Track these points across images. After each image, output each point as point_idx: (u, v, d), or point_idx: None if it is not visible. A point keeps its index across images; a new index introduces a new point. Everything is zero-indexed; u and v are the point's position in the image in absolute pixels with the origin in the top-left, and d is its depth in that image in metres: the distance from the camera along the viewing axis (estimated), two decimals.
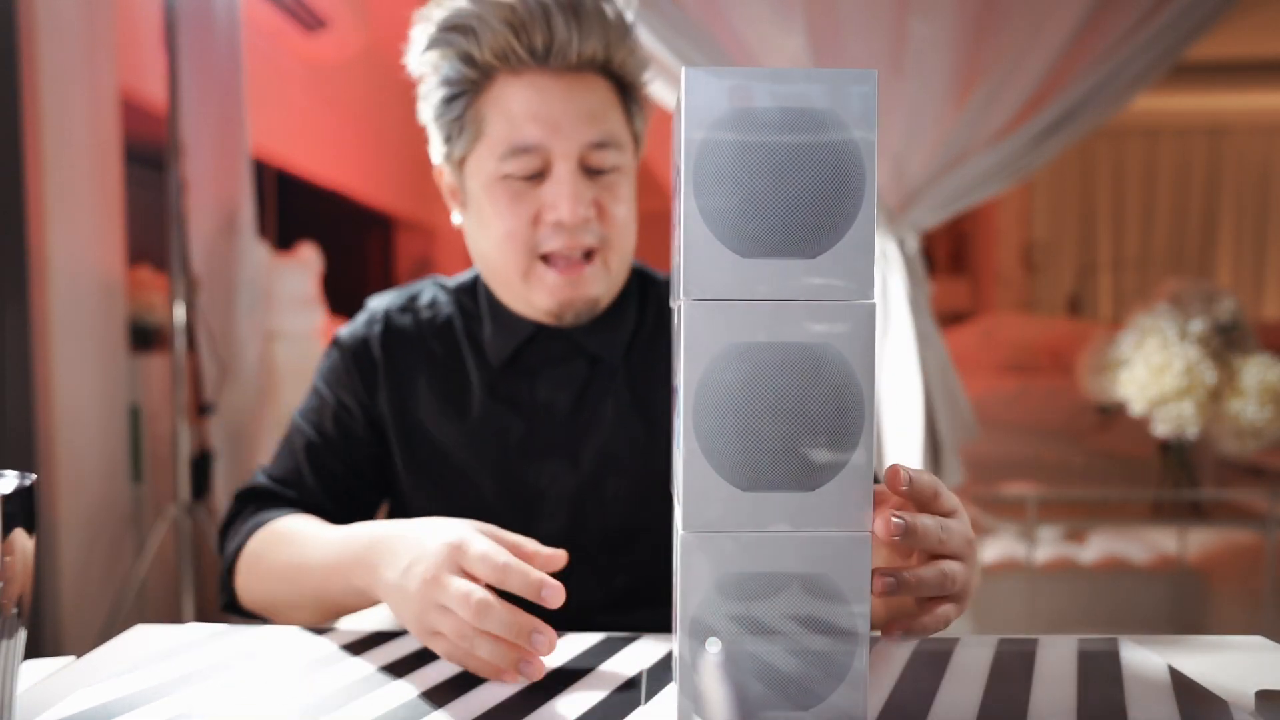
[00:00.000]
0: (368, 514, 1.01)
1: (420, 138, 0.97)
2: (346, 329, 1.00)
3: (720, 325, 0.56)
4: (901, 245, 1.96)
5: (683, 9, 1.85)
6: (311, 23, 3.16)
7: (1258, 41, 4.23)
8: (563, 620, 0.93)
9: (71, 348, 1.89)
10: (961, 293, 5.90)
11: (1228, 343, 2.20)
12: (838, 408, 0.56)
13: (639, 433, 0.95)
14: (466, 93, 0.89)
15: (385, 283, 5.22)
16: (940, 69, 1.93)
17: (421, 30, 0.90)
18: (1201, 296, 2.26)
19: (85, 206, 1.92)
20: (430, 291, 1.02)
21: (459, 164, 0.92)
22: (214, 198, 2.24)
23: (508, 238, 0.89)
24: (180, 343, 2.05)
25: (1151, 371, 2.13)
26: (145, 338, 2.27)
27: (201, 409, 2.21)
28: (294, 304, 2.85)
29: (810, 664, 0.57)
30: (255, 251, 2.31)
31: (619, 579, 0.94)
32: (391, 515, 1.02)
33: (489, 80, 0.88)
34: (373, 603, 0.79)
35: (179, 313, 2.05)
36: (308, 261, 3.00)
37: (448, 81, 0.89)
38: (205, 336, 2.21)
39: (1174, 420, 2.12)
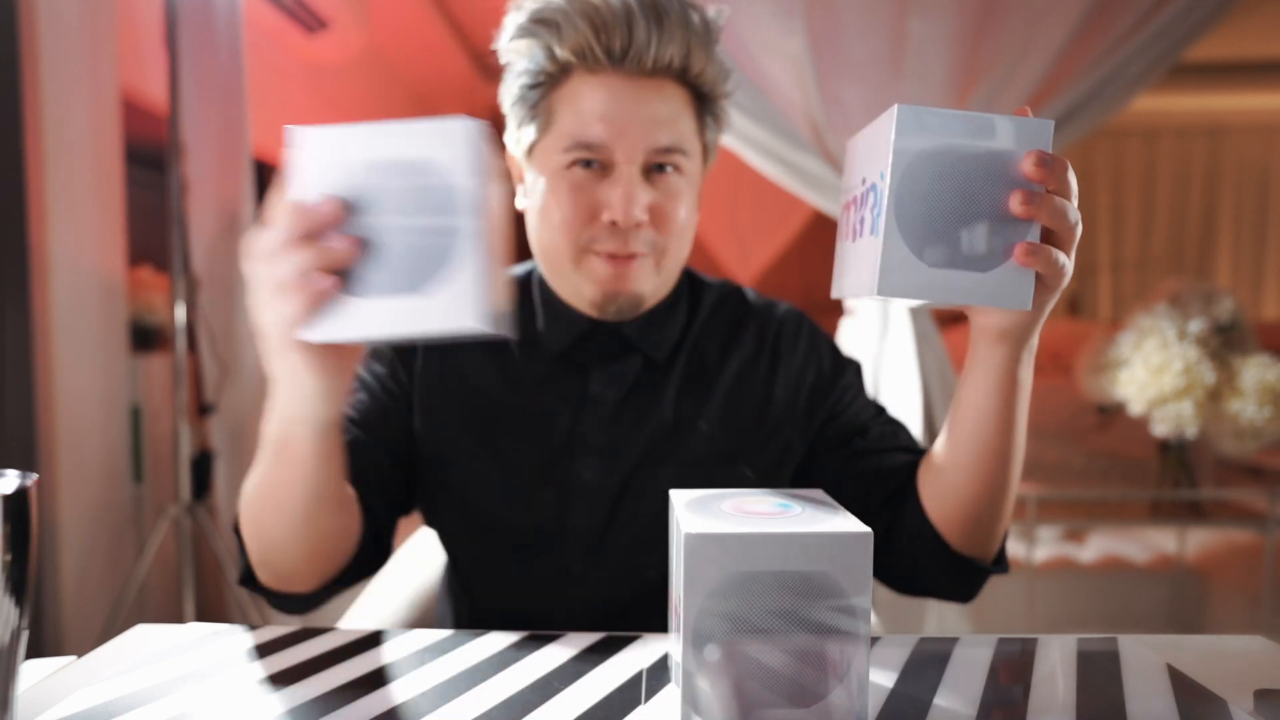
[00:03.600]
0: (405, 502, 0.98)
1: None
2: None
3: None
4: None
5: None
6: (312, 23, 3.16)
7: (1258, 41, 4.23)
8: (594, 616, 0.93)
9: (72, 348, 1.89)
10: None
11: (1227, 343, 2.20)
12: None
13: (681, 431, 0.96)
14: (543, 84, 0.91)
15: None
16: (940, 69, 1.93)
17: (513, 18, 0.92)
18: (1200, 297, 2.26)
19: (86, 206, 1.92)
20: None
21: (527, 151, 0.94)
22: (215, 198, 2.24)
23: (564, 226, 0.90)
24: (181, 343, 2.05)
25: (1151, 371, 2.13)
26: (146, 338, 2.27)
27: (202, 409, 2.21)
28: None
29: (810, 663, 0.57)
30: None
31: (651, 574, 0.95)
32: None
33: (566, 75, 0.90)
34: (303, 401, 0.70)
35: (180, 313, 2.05)
36: None
37: (528, 71, 0.91)
38: (206, 336, 2.21)
39: (1173, 420, 2.12)
